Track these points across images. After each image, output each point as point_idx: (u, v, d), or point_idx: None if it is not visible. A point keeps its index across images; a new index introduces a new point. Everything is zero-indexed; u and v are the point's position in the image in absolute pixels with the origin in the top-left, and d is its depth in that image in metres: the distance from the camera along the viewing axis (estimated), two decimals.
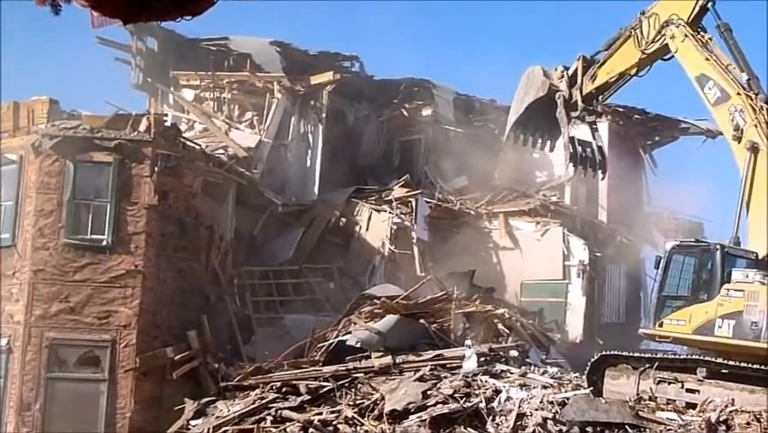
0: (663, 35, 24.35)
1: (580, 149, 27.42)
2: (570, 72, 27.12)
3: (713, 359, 21.88)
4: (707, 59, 23.21)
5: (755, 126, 22.12)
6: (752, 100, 22.39)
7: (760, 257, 22.34)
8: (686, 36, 23.70)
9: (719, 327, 22.37)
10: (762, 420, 20.29)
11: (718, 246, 23.04)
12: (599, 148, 27.82)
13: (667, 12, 24.25)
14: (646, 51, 25.00)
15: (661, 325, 23.86)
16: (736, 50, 23.19)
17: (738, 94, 22.56)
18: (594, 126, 27.93)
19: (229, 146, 32.84)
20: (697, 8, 23.67)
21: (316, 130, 35.80)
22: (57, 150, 26.19)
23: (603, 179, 30.28)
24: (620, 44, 25.78)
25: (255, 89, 35.74)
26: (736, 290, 22.24)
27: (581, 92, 26.82)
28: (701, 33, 23.74)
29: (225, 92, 35.96)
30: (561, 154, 40.24)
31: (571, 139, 27.42)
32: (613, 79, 26.40)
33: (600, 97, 27.30)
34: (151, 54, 36.75)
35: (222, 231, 28.95)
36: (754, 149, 22.22)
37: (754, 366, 21.05)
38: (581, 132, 28.12)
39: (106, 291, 25.91)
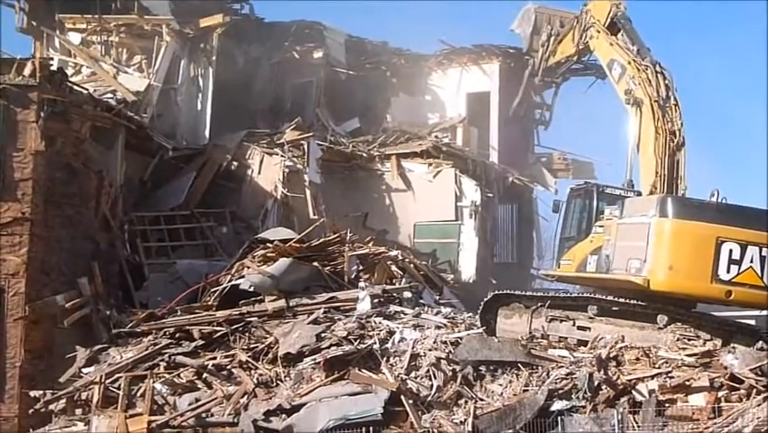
0: (586, 39, 27.11)
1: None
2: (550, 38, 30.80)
3: (603, 297, 22.42)
4: (611, 44, 25.52)
5: (639, 84, 23.78)
6: (638, 64, 24.22)
7: (643, 195, 23.08)
8: (599, 32, 26.17)
9: (589, 263, 23.36)
10: (650, 356, 20.78)
11: (594, 186, 24.38)
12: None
13: (595, 11, 26.70)
14: (579, 47, 28.02)
15: (559, 266, 24.78)
16: (632, 32, 25.45)
17: (629, 62, 24.44)
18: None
19: (117, 90, 32.28)
20: (611, 15, 26.02)
21: (207, 73, 35.52)
22: None
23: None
24: (566, 32, 29.08)
25: (143, 33, 35.10)
26: (600, 227, 23.25)
27: (547, 62, 30.75)
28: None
29: (113, 35, 35.16)
30: (452, 96, 40.77)
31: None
32: (563, 60, 30.12)
33: (559, 70, 31.84)
34: None
35: (111, 176, 28.46)
36: (638, 104, 23.74)
37: (643, 303, 21.63)
38: None
39: None
